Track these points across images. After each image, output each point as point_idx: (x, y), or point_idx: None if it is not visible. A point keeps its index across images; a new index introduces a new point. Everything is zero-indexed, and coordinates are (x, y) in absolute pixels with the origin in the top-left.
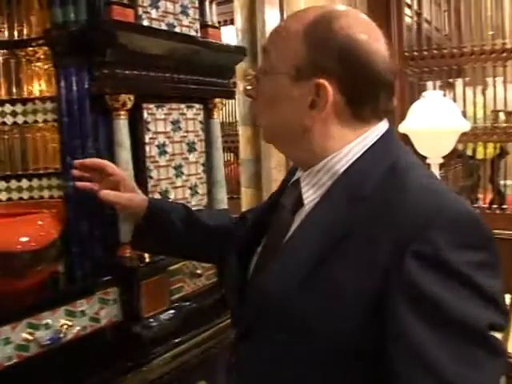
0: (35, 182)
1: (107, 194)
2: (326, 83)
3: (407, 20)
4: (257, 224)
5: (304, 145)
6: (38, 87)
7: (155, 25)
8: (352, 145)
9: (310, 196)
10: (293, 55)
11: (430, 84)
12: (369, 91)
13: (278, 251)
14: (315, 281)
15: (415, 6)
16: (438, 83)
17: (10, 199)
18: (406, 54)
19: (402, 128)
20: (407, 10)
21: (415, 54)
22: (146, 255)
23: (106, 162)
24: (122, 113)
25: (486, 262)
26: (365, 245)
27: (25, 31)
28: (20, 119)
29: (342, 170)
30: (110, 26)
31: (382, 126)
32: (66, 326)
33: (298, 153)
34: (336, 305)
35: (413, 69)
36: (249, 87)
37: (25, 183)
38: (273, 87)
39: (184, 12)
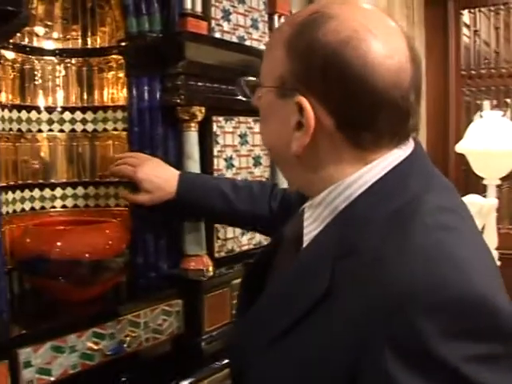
0: (102, 190)
1: (125, 195)
2: (305, 102)
3: (465, 40)
4: (266, 252)
5: (298, 171)
6: (108, 96)
7: (226, 37)
8: (354, 177)
9: (311, 232)
10: (277, 65)
11: (486, 104)
12: (363, 113)
13: (259, 299)
14: (283, 346)
15: (473, 26)
16: (492, 102)
17: (75, 206)
18: (463, 72)
19: (459, 148)
20: (465, 30)
21: (472, 72)
22: (210, 268)
23: (121, 168)
24: (193, 125)
25: (501, 355)
26: (341, 313)
27: (98, 40)
28: (90, 127)
29: (342, 206)
30: (185, 38)
31: (401, 153)
32: (129, 337)
33: (295, 178)
34: (303, 377)
35: (470, 88)
36: (252, 98)
37: (91, 190)
38: (262, 101)
39: (254, 25)
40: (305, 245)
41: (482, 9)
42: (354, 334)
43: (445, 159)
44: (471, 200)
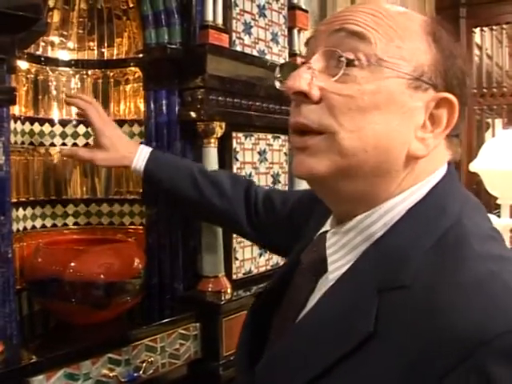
0: (116, 208)
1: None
2: (454, 98)
3: (475, 59)
4: (279, 279)
5: (389, 179)
6: (125, 109)
7: (247, 51)
8: (392, 202)
9: (338, 261)
10: (416, 54)
11: (498, 122)
12: (459, 122)
13: (289, 333)
14: None
15: (483, 44)
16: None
17: (88, 223)
18: (474, 91)
19: (474, 167)
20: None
21: (484, 91)
22: (228, 291)
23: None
24: (212, 140)
25: None
26: (391, 352)
27: (115, 52)
28: None
29: (379, 233)
30: (207, 50)
31: (439, 174)
32: (145, 363)
33: (357, 191)
34: None
35: (480, 106)
36: (315, 82)
37: (105, 208)
38: (378, 86)
39: (274, 39)
40: (332, 275)
41: (494, 27)
42: (408, 375)
43: None
44: None
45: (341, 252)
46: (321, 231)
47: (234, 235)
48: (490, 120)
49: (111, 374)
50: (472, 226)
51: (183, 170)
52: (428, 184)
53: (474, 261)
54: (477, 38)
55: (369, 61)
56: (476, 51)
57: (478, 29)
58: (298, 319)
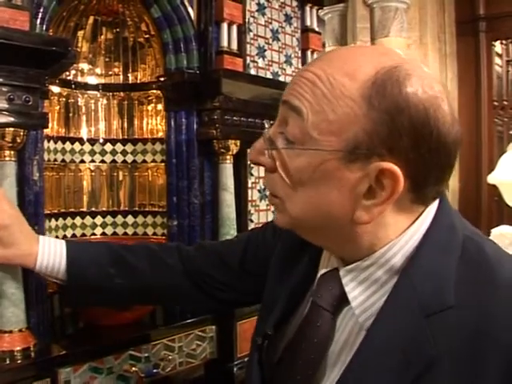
0: (140, 219)
1: None
2: (396, 169)
3: (497, 69)
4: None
5: (347, 237)
6: (148, 127)
7: (261, 73)
8: (410, 233)
9: (360, 296)
10: (348, 126)
11: None
12: (437, 173)
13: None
14: None
15: (506, 56)
16: None
17: (115, 233)
18: (496, 103)
19: (491, 179)
20: (497, 60)
21: (505, 103)
22: None
23: None
24: (228, 157)
25: None
26: (461, 373)
27: (138, 76)
28: (130, 158)
29: (399, 264)
30: (222, 75)
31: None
32: (164, 361)
33: (337, 245)
34: None
35: (502, 118)
36: (266, 157)
37: (130, 219)
38: (311, 164)
39: (288, 61)
40: (358, 310)
41: None
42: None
43: (478, 190)
44: (504, 231)
45: (361, 287)
46: (324, 271)
47: None
48: None
49: (132, 370)
50: (473, 235)
51: (101, 246)
52: (431, 209)
53: (499, 268)
54: (497, 49)
55: (301, 140)
56: (497, 60)
57: (498, 42)
58: (347, 361)
